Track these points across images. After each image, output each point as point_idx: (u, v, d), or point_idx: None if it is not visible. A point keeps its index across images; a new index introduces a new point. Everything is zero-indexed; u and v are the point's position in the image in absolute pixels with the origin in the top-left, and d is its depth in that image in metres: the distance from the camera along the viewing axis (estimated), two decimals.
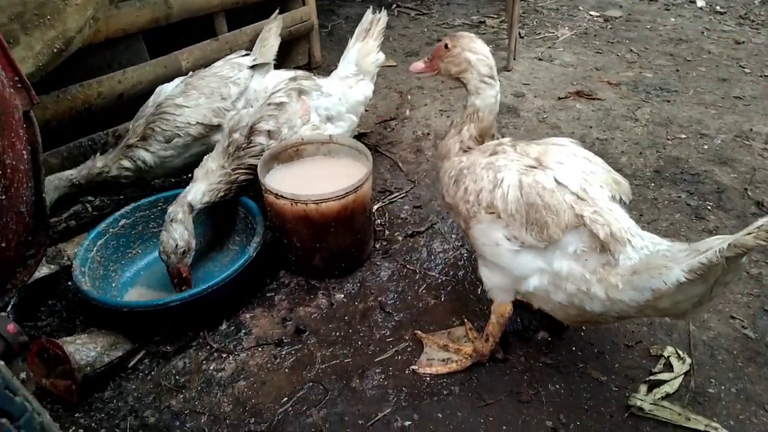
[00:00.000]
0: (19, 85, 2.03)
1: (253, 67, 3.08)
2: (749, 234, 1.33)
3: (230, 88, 2.92)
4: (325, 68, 4.68)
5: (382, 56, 3.21)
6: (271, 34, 3.36)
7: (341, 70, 3.10)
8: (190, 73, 2.97)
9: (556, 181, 1.72)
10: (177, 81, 2.93)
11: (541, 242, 1.71)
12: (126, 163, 2.71)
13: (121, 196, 3.04)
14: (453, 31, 5.62)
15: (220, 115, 2.86)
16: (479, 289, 2.38)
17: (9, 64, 1.98)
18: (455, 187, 1.95)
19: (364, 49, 3.13)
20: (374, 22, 3.21)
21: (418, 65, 2.19)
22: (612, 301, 1.62)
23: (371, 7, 3.27)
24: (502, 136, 2.09)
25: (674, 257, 1.53)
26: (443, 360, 2.12)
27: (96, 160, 2.70)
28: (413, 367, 2.10)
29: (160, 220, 2.67)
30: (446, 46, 2.03)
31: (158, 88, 2.90)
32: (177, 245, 2.25)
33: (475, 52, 1.97)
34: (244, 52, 3.21)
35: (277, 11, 3.38)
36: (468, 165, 1.94)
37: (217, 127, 2.86)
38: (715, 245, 1.40)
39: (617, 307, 1.63)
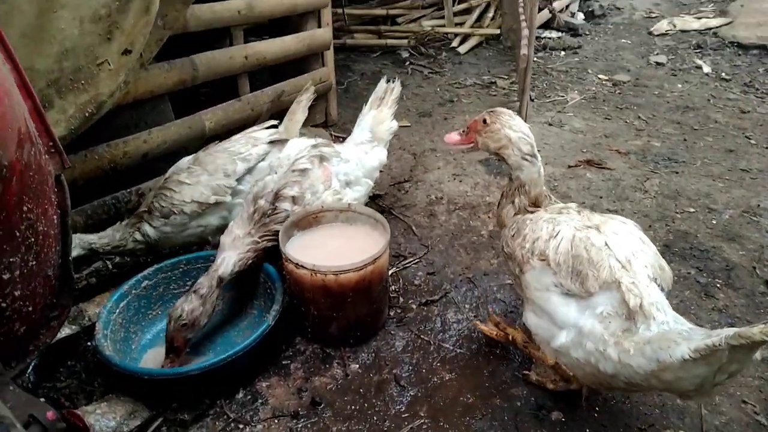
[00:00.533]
0: (53, 150, 2.11)
1: (272, 142, 2.99)
2: (757, 328, 1.42)
3: (237, 164, 2.83)
4: (341, 126, 4.81)
5: (395, 124, 3.30)
6: (300, 107, 3.31)
7: (357, 136, 3.19)
8: (215, 143, 2.93)
9: (605, 243, 1.90)
10: (196, 152, 2.91)
11: (581, 293, 1.87)
12: (138, 236, 2.72)
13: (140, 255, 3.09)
14: (465, 91, 5.77)
15: (219, 193, 2.77)
16: (491, 365, 2.41)
17: (45, 130, 2.06)
18: (515, 236, 2.12)
19: (379, 117, 3.23)
20: (388, 92, 3.32)
21: (453, 137, 2.33)
22: (622, 364, 1.74)
23: (385, 76, 3.39)
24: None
25: (688, 337, 1.63)
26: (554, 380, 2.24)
27: (115, 231, 2.71)
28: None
29: (181, 282, 2.74)
30: (485, 121, 2.16)
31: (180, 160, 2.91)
32: (180, 316, 2.27)
33: (515, 129, 2.11)
34: (270, 124, 3.14)
35: (310, 82, 3.36)
36: (531, 218, 2.13)
37: (216, 206, 2.80)
38: (723, 333, 1.50)
39: (626, 372, 1.75)
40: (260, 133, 3.03)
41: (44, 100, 2.30)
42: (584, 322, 1.87)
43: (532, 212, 2.22)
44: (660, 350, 1.64)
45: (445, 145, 2.37)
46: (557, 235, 1.98)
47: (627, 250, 1.90)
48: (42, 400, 2.02)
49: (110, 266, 2.98)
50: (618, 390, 2.12)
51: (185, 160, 2.88)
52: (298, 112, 3.33)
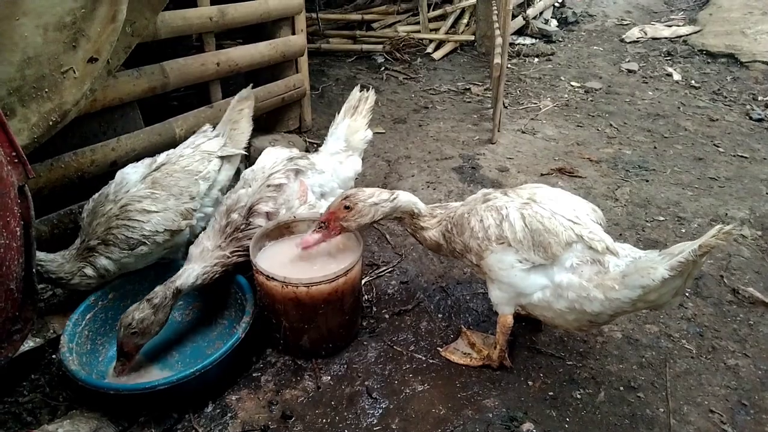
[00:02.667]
0: (16, 160, 2.06)
1: (222, 157, 2.84)
2: (713, 237, 1.81)
3: (200, 185, 2.70)
4: (315, 132, 4.78)
5: (370, 133, 3.28)
6: (242, 116, 2.97)
7: (331, 146, 3.16)
8: (155, 158, 2.72)
9: (552, 211, 2.16)
10: (140, 169, 2.66)
11: (547, 260, 2.13)
12: (89, 272, 2.50)
13: None
14: (440, 97, 5.79)
15: (188, 217, 2.65)
16: (464, 376, 2.41)
17: (7, 140, 2.01)
18: (460, 232, 2.29)
19: (353, 126, 3.20)
20: (362, 100, 3.29)
21: (311, 239, 2.41)
22: (610, 300, 2.04)
23: (359, 84, 3.37)
24: None
25: (654, 261, 1.97)
26: (465, 353, 2.52)
27: (64, 261, 2.48)
28: (439, 348, 2.55)
29: (148, 292, 2.69)
30: (346, 207, 2.34)
31: (120, 175, 2.65)
32: (130, 324, 2.22)
33: (372, 195, 2.36)
34: (210, 130, 2.95)
35: (251, 85, 3.09)
36: (464, 212, 2.31)
37: (181, 231, 2.66)
38: (685, 248, 1.89)
39: (614, 305, 2.05)
40: (209, 145, 2.82)
41: (6, 109, 2.24)
42: (559, 278, 2.14)
43: (440, 221, 2.41)
44: (641, 278, 1.95)
45: (304, 250, 2.44)
46: (507, 217, 2.18)
47: (569, 208, 2.19)
48: None
49: None
50: (597, 325, 2.29)
51: (131, 177, 2.62)
52: (242, 121, 2.97)
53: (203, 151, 2.78)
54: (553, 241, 2.10)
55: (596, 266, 2.11)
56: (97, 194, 2.61)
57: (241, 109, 2.99)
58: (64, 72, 2.38)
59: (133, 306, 2.29)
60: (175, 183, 2.62)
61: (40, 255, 2.42)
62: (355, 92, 3.31)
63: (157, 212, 2.54)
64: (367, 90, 3.32)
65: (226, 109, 3.01)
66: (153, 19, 2.84)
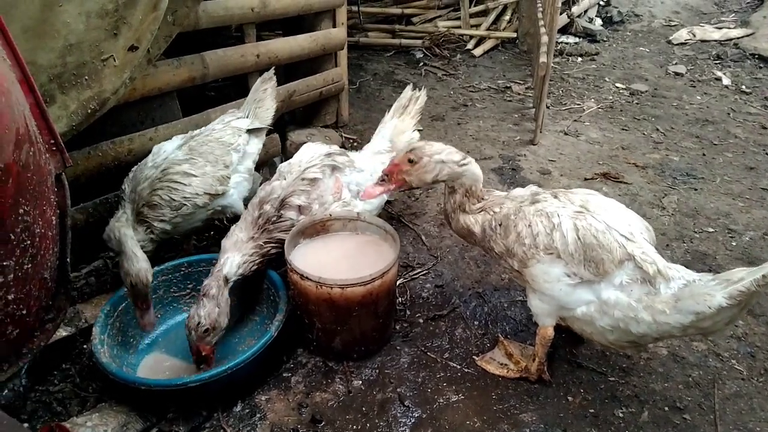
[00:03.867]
0: (54, 148, 2.03)
1: (249, 131, 2.96)
2: None
3: (232, 155, 2.81)
4: (352, 127, 4.72)
5: (416, 135, 3.20)
6: (267, 95, 3.12)
7: (375, 145, 3.09)
8: (190, 133, 2.84)
9: (606, 224, 2.03)
10: (176, 141, 2.79)
11: (597, 276, 2.01)
12: (152, 236, 2.61)
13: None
14: (479, 95, 5.67)
15: (223, 183, 2.75)
16: (500, 388, 2.32)
17: (47, 128, 1.98)
18: (505, 234, 2.16)
19: (400, 127, 3.13)
20: (413, 100, 3.22)
21: (375, 190, 2.32)
22: (658, 323, 1.94)
23: (411, 83, 3.29)
24: None
25: (711, 287, 1.86)
26: (502, 364, 2.43)
27: (130, 230, 2.51)
28: (474, 356, 2.47)
29: (181, 284, 2.68)
30: (410, 160, 2.21)
31: (157, 147, 2.76)
32: (199, 323, 2.19)
33: (441, 152, 2.21)
34: (237, 113, 3.06)
35: (272, 70, 3.18)
36: (510, 212, 2.18)
37: (221, 195, 2.76)
38: (745, 276, 1.79)
39: (662, 329, 1.95)
40: (237, 123, 2.94)
41: (46, 95, 2.22)
42: (606, 295, 2.03)
43: (482, 209, 2.29)
44: (696, 304, 1.85)
45: (364, 198, 2.36)
46: (559, 226, 2.05)
47: (623, 224, 2.07)
48: (26, 425, 1.95)
49: (110, 265, 2.91)
50: (638, 346, 2.17)
51: (167, 146, 2.73)
52: (266, 99, 3.10)
53: (233, 127, 2.90)
54: (606, 257, 1.99)
55: (646, 286, 1.99)
56: (135, 166, 2.71)
57: (265, 89, 3.12)
58: (104, 60, 2.35)
59: (192, 309, 2.26)
60: (210, 151, 2.73)
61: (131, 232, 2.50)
62: (407, 91, 3.23)
63: (196, 176, 2.65)
64: (419, 90, 3.24)
65: None
66: (194, 8, 2.80)
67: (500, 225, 2.19)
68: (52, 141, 2.02)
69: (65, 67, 2.27)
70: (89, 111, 2.38)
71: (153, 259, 2.50)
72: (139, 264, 2.33)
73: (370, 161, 2.93)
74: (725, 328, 1.93)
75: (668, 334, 1.99)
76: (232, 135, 2.86)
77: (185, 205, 2.62)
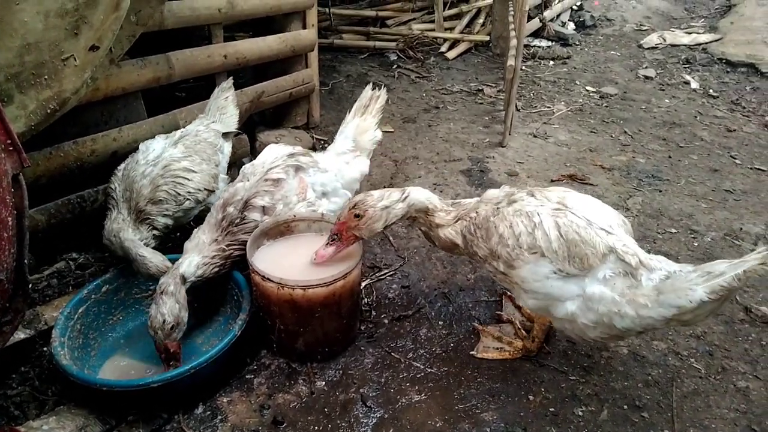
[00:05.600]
0: (11, 148, 2.00)
1: (224, 135, 3.10)
2: (760, 264, 1.76)
3: (219, 156, 2.95)
4: (323, 128, 4.72)
5: (379, 134, 3.21)
6: (228, 102, 3.24)
7: (338, 145, 3.09)
8: (175, 133, 2.88)
9: (587, 219, 2.05)
10: (160, 140, 2.82)
11: (582, 271, 2.02)
12: (155, 232, 2.64)
13: (105, 254, 2.98)
14: (451, 97, 5.71)
15: (216, 181, 2.88)
16: (462, 387, 2.33)
17: (2, 127, 1.95)
18: (487, 236, 2.17)
19: (362, 126, 3.12)
20: (373, 99, 3.21)
21: (327, 252, 2.35)
22: (641, 317, 1.96)
23: (371, 83, 3.30)
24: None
25: (692, 280, 1.88)
26: (497, 348, 2.51)
27: (130, 232, 2.54)
28: (472, 352, 2.50)
29: (143, 286, 2.65)
30: (357, 216, 2.25)
31: (144, 145, 2.78)
32: (165, 320, 2.18)
33: (382, 199, 2.27)
34: (205, 119, 3.13)
35: (230, 79, 3.31)
36: (488, 215, 2.19)
37: (213, 192, 2.86)
38: (727, 270, 1.82)
39: (645, 323, 1.98)
40: (215, 126, 3.06)
41: (3, 95, 2.19)
42: (590, 290, 2.03)
43: (457, 218, 2.30)
44: (678, 298, 1.88)
45: (318, 265, 2.38)
46: (540, 225, 2.06)
47: (602, 218, 2.10)
48: None
49: (73, 267, 2.87)
50: (619, 339, 2.26)
51: (155, 145, 2.76)
52: (229, 106, 3.22)
53: (213, 130, 3.01)
54: (590, 252, 2.00)
55: (629, 279, 2.01)
56: (121, 165, 2.72)
57: (226, 97, 3.24)
58: (64, 59, 2.32)
59: (152, 308, 2.24)
60: (203, 150, 2.85)
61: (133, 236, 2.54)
62: (367, 90, 3.23)
63: (196, 173, 2.76)
64: (379, 89, 3.25)
65: None
66: (159, 8, 2.78)
67: (480, 228, 2.20)
68: (9, 141, 1.98)
69: (23, 67, 2.24)
70: (49, 111, 2.35)
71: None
72: (151, 262, 2.41)
73: (334, 162, 2.92)
74: (706, 318, 2.02)
75: (651, 327, 2.02)
76: (216, 137, 2.98)
77: (188, 199, 2.71)
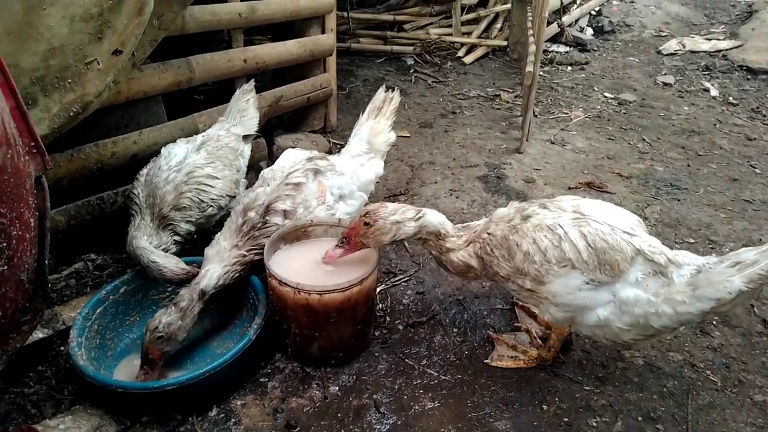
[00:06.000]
0: (35, 151, 2.03)
1: (244, 137, 3.13)
2: None
3: (240, 161, 2.98)
4: (340, 132, 4.73)
5: (393, 136, 3.22)
6: (249, 104, 3.26)
7: (353, 148, 3.10)
8: (196, 138, 2.91)
9: (608, 225, 2.06)
10: (182, 144, 2.85)
11: (613, 277, 2.03)
12: (177, 238, 2.67)
13: (123, 255, 3.02)
14: (468, 102, 5.70)
15: (237, 187, 2.92)
16: (476, 396, 2.33)
17: (27, 130, 1.99)
18: (509, 256, 2.14)
19: (376, 128, 3.14)
20: (387, 101, 3.23)
21: (335, 254, 2.37)
22: (679, 314, 1.99)
23: (384, 85, 3.31)
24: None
25: (727, 272, 1.93)
26: (512, 357, 2.50)
27: (143, 240, 2.56)
28: (486, 360, 2.49)
29: (161, 288, 2.68)
30: (366, 224, 2.25)
31: (166, 149, 2.81)
32: (156, 328, 2.21)
33: (394, 212, 2.25)
34: (226, 122, 3.14)
35: (252, 82, 3.32)
36: (506, 233, 2.17)
37: (234, 198, 2.89)
38: (759, 258, 1.88)
39: (683, 318, 2.01)
40: (236, 129, 3.07)
41: (28, 98, 2.22)
42: (624, 294, 2.05)
43: (468, 241, 2.30)
44: (716, 291, 1.93)
45: (326, 262, 2.41)
46: (566, 237, 2.06)
47: (621, 220, 2.11)
48: None
49: (91, 267, 2.91)
50: (653, 338, 2.28)
51: (178, 150, 2.78)
52: (250, 108, 3.24)
53: (234, 134, 3.02)
54: (619, 257, 2.01)
55: (660, 278, 2.03)
56: (144, 170, 2.76)
57: (247, 99, 3.24)
58: (88, 63, 2.36)
59: (160, 311, 2.28)
60: (225, 155, 2.87)
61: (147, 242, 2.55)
62: (380, 92, 3.25)
63: (219, 179, 2.78)
64: (392, 91, 3.26)
65: None
66: (181, 12, 2.81)
67: (499, 248, 2.18)
68: (33, 143, 2.02)
69: (48, 70, 2.28)
70: (71, 114, 2.38)
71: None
72: (165, 267, 2.42)
73: (350, 164, 2.94)
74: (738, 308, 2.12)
75: (688, 322, 2.07)
76: (236, 141, 3.00)
77: (211, 206, 2.75)
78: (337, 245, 2.37)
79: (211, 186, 2.73)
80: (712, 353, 2.59)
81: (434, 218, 2.29)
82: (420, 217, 2.26)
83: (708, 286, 1.95)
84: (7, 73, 1.87)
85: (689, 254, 2.10)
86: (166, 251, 2.60)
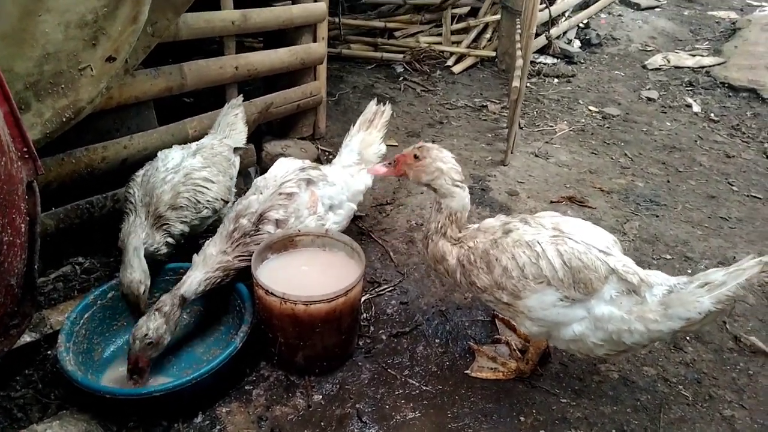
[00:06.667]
0: (27, 156, 2.06)
1: (236, 149, 3.18)
2: (762, 272, 1.92)
3: (232, 170, 3.04)
4: (329, 139, 4.78)
5: (384, 148, 3.28)
6: (238, 119, 3.30)
7: (344, 158, 3.16)
8: (191, 146, 2.94)
9: (585, 243, 2.13)
10: (177, 150, 2.87)
11: (586, 295, 2.10)
12: (170, 240, 2.68)
13: (111, 259, 3.04)
14: (455, 112, 5.77)
15: (231, 192, 2.98)
16: (456, 406, 2.39)
17: (20, 135, 2.01)
18: (488, 269, 2.21)
19: (367, 140, 3.20)
20: (378, 114, 3.29)
21: (380, 169, 2.46)
22: (650, 332, 2.08)
23: (376, 98, 3.36)
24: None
25: (697, 293, 2.03)
26: (492, 369, 2.56)
27: (141, 235, 2.56)
28: (467, 371, 2.55)
29: (148, 293, 2.69)
30: (416, 156, 2.31)
31: (163, 154, 2.84)
32: (146, 335, 2.23)
33: (445, 161, 2.28)
34: (218, 134, 3.18)
35: (240, 97, 3.39)
36: (487, 247, 2.23)
37: (226, 204, 2.93)
38: (727, 279, 1.98)
39: (654, 336, 2.10)
40: (227, 141, 3.11)
41: (21, 103, 2.25)
42: (599, 311, 2.12)
43: (460, 240, 2.36)
44: (687, 311, 2.02)
45: (370, 173, 2.53)
46: (543, 254, 2.12)
47: (597, 240, 2.19)
48: None
49: (78, 271, 2.93)
50: (625, 353, 2.42)
51: (173, 154, 2.81)
52: (239, 123, 3.29)
53: (226, 145, 3.07)
54: (593, 277, 2.09)
55: (633, 297, 2.12)
56: (140, 172, 2.77)
57: (236, 114, 3.30)
58: (81, 69, 2.39)
59: (142, 318, 2.30)
60: (219, 162, 2.92)
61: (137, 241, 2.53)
62: (372, 105, 3.30)
63: (214, 183, 2.83)
64: (384, 103, 3.31)
65: None
66: (175, 20, 2.85)
67: (479, 259, 2.25)
68: (25, 149, 2.04)
69: (42, 76, 2.30)
70: (64, 119, 2.41)
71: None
72: (132, 275, 2.40)
73: (341, 175, 3.00)
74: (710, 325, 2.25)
75: (658, 339, 2.16)
76: (229, 152, 3.06)
77: (207, 208, 2.79)
78: (383, 164, 2.46)
79: (207, 188, 2.77)
80: (685, 368, 2.68)
81: (465, 198, 2.33)
82: (457, 186, 2.29)
83: (679, 306, 2.04)
84: (1, 79, 1.89)
85: (661, 274, 2.20)
86: (157, 252, 2.63)
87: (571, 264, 2.09)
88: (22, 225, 2.02)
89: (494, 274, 2.20)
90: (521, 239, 2.19)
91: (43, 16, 2.23)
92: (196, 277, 2.41)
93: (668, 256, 3.52)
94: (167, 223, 2.65)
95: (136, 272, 2.40)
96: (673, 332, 2.10)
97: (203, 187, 2.77)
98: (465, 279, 2.33)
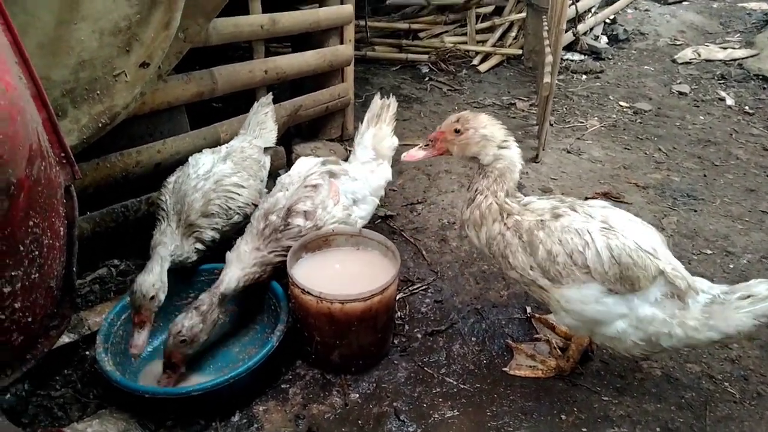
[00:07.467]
0: (64, 161, 2.09)
1: (266, 149, 3.19)
2: None
3: (263, 172, 3.05)
4: None
5: (396, 141, 3.27)
6: (268, 117, 3.30)
7: (360, 155, 3.16)
8: (221, 149, 2.95)
9: (635, 242, 2.05)
10: (207, 154, 2.88)
11: (631, 292, 2.05)
12: (200, 246, 2.68)
13: (146, 261, 3.07)
14: (484, 111, 5.71)
15: (261, 196, 2.95)
16: (495, 405, 2.35)
17: (58, 141, 2.04)
18: (531, 250, 2.13)
19: (379, 135, 3.19)
20: (384, 108, 3.28)
21: (417, 154, 2.33)
22: (689, 338, 2.06)
23: (379, 92, 3.36)
24: None
25: (740, 306, 2.02)
26: (531, 366, 2.52)
27: (176, 245, 2.58)
28: (505, 369, 2.51)
29: (184, 294, 2.73)
30: (457, 131, 2.20)
31: (193, 159, 2.85)
32: (180, 332, 2.26)
33: (484, 125, 2.18)
34: (247, 135, 3.17)
35: (270, 95, 3.39)
36: (532, 227, 2.14)
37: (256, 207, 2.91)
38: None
39: (692, 342, 2.09)
40: (257, 142, 3.12)
41: (58, 109, 2.28)
42: (642, 311, 2.08)
43: (506, 209, 2.22)
44: (727, 326, 2.01)
45: (406, 160, 2.38)
46: (591, 244, 2.05)
47: (647, 239, 2.11)
48: (27, 430, 1.99)
49: (114, 273, 2.96)
50: (659, 354, 2.41)
51: (205, 159, 2.82)
52: (268, 121, 3.28)
53: (257, 146, 3.08)
54: (642, 275, 2.03)
55: (677, 301, 2.08)
56: (171, 178, 2.78)
57: (266, 112, 3.31)
58: (116, 75, 2.42)
59: (180, 315, 2.32)
60: (250, 166, 2.93)
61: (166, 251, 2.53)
62: (376, 100, 3.30)
63: (245, 188, 2.83)
64: (388, 97, 3.31)
65: None
66: (205, 25, 2.87)
67: (523, 237, 2.15)
68: (63, 154, 2.07)
69: (78, 83, 2.34)
70: (100, 125, 2.44)
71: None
72: (147, 278, 2.37)
73: (361, 171, 3.01)
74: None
75: (694, 347, 2.20)
76: (259, 153, 3.06)
77: (238, 214, 2.79)
78: (420, 147, 2.33)
79: (238, 194, 2.77)
80: (730, 365, 2.60)
81: (516, 156, 2.21)
82: (506, 146, 2.19)
83: (722, 319, 2.02)
84: (40, 86, 1.92)
85: (706, 282, 2.17)
86: (187, 260, 2.64)
87: (620, 260, 2.02)
88: (61, 228, 2.05)
89: (537, 257, 2.12)
90: (570, 225, 2.10)
91: (78, 24, 2.26)
92: (234, 274, 2.42)
93: (709, 251, 3.43)
94: (198, 230, 2.66)
95: (152, 276, 2.39)
96: (711, 342, 2.08)
97: (234, 192, 2.77)
98: (499, 250, 2.24)
